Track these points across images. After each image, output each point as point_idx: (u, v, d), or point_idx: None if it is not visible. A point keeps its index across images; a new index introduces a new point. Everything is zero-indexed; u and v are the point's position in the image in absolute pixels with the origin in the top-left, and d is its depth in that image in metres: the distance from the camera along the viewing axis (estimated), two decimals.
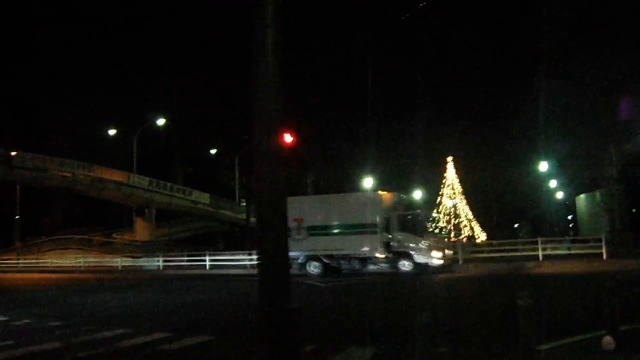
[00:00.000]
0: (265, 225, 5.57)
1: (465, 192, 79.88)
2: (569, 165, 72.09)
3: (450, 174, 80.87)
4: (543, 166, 53.88)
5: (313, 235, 27.39)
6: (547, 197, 68.28)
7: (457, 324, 10.82)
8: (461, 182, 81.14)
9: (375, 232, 26.85)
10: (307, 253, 27.76)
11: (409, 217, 27.97)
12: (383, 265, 27.37)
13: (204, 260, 39.73)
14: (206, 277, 32.88)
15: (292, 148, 55.21)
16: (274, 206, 5.53)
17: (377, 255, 27.11)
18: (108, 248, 54.51)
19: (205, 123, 79.50)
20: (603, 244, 28.64)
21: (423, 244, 26.68)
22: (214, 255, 41.21)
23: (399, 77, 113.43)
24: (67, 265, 48.17)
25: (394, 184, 79.74)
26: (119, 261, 46.57)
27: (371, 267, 27.50)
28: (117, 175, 52.97)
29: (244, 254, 38.87)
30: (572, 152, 76.41)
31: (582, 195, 75.85)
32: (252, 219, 62.86)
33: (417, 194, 76.72)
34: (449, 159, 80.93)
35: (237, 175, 65.28)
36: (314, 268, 28.01)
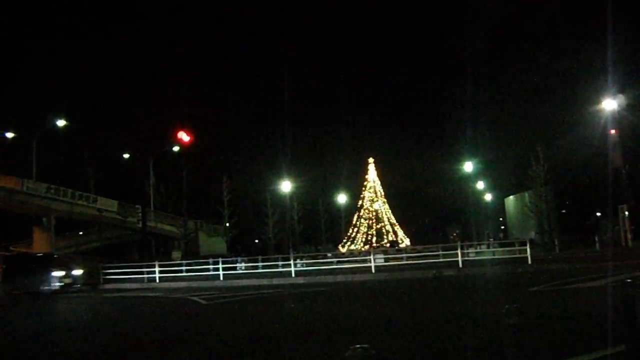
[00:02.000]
0: None
1: (388, 195, 77.59)
2: (497, 167, 71.03)
3: (372, 176, 77.84)
4: (468, 166, 51.62)
5: None
6: (474, 198, 66.26)
7: None
8: (384, 184, 78.51)
9: None
10: None
11: None
12: None
13: None
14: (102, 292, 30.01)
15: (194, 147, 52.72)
16: None
17: None
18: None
19: (117, 126, 75.56)
20: (527, 247, 25.78)
21: None
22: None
23: (323, 81, 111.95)
24: None
25: (317, 188, 77.96)
26: None
27: None
28: (7, 181, 47.59)
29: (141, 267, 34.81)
30: (499, 154, 75.77)
31: (511, 197, 74.74)
32: (166, 227, 59.65)
33: (341, 198, 74.44)
34: (370, 160, 78.25)
35: (152, 180, 61.05)
36: None
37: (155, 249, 62.62)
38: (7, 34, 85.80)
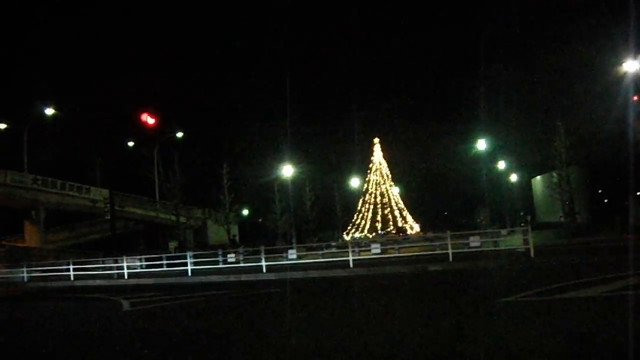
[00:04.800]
0: None
1: (400, 179, 72.50)
2: (520, 145, 66.60)
3: (377, 157, 72.57)
4: (481, 144, 46.98)
5: None
6: (494, 179, 61.75)
7: None
8: (396, 167, 73.57)
9: None
10: None
11: None
12: None
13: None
14: (66, 289, 27.87)
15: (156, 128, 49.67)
16: None
17: None
18: None
19: (118, 113, 72.91)
20: (529, 238, 21.65)
21: None
22: (81, 263, 33.98)
23: (332, 61, 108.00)
24: None
25: (331, 173, 74.44)
26: None
27: None
28: None
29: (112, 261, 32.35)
30: (522, 132, 71.35)
31: (538, 177, 70.36)
32: (163, 216, 56.67)
33: (355, 182, 70.38)
34: (376, 140, 72.82)
35: (156, 168, 58.34)
36: None
37: (163, 239, 60.51)
38: None
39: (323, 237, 62.66)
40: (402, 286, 16.72)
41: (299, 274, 24.00)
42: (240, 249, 35.56)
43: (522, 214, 77.45)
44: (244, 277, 24.96)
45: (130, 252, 44.37)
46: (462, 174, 67.26)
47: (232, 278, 25.30)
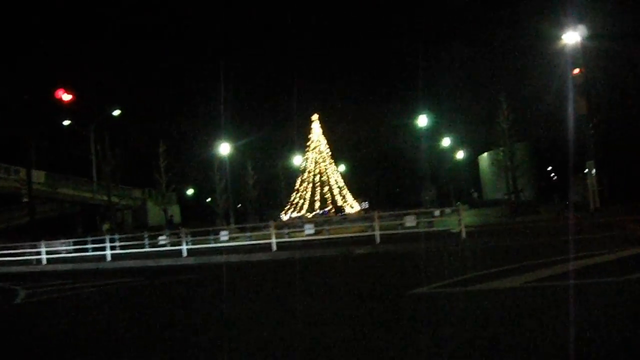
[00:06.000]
0: None
1: (341, 156, 70.77)
2: (466, 122, 66.14)
3: (316, 134, 70.19)
4: (422, 120, 45.71)
5: None
6: (437, 156, 61.02)
7: None
8: (338, 145, 71.54)
9: None
10: None
11: None
12: None
13: None
14: None
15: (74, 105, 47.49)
16: None
17: None
18: None
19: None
20: (460, 219, 20.38)
21: None
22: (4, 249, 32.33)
23: (269, 34, 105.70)
24: None
25: (275, 152, 72.84)
26: None
27: None
28: None
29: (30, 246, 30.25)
30: (467, 108, 70.80)
31: (485, 155, 70.03)
32: (100, 197, 54.39)
33: (298, 160, 68.75)
34: (315, 117, 70.23)
35: (94, 148, 55.83)
36: None
37: (101, 221, 58.25)
38: None
39: (266, 217, 61.30)
40: (311, 273, 15.35)
41: (219, 259, 22.64)
42: (179, 231, 34.12)
43: (472, 191, 77.37)
44: (163, 262, 23.63)
45: (67, 235, 42.38)
46: (410, 152, 66.10)
47: (150, 263, 23.96)
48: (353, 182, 74.15)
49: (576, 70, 26.93)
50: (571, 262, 11.59)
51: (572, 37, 26.75)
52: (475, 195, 74.63)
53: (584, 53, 26.74)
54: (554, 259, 12.26)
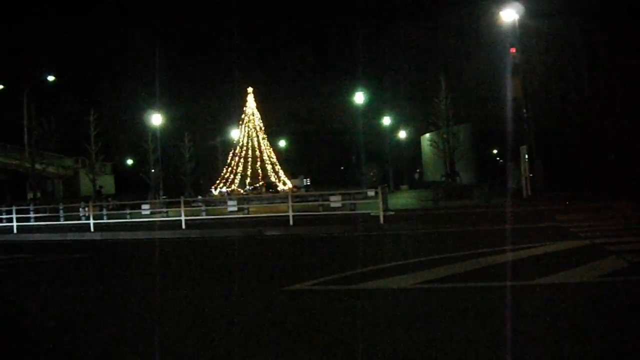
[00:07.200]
0: None
1: (280, 131, 69.08)
2: (407, 101, 65.08)
3: (251, 107, 68.25)
4: (359, 98, 44.28)
5: None
6: (376, 134, 59.81)
7: None
8: (271, 119, 69.68)
9: None
10: None
11: None
12: None
13: None
14: None
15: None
16: None
17: None
18: None
19: None
20: (380, 202, 19.00)
21: None
22: None
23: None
24: None
25: (210, 124, 70.82)
26: None
27: None
28: None
29: None
30: (409, 87, 69.73)
31: (427, 135, 69.09)
32: (28, 165, 51.64)
33: (235, 134, 66.84)
34: (249, 90, 68.55)
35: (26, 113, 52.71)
36: None
37: (31, 190, 55.53)
38: None
39: (203, 191, 59.38)
40: (203, 256, 14.37)
41: (126, 235, 21.15)
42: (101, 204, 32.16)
43: (417, 171, 76.59)
44: (69, 236, 22.30)
45: None
46: (352, 130, 64.77)
47: (56, 237, 22.49)
48: (297, 159, 72.57)
49: (512, 50, 25.85)
50: (472, 260, 10.33)
51: (509, 14, 25.57)
52: (417, 176, 73.93)
53: (521, 32, 25.60)
54: (460, 254, 11.04)
